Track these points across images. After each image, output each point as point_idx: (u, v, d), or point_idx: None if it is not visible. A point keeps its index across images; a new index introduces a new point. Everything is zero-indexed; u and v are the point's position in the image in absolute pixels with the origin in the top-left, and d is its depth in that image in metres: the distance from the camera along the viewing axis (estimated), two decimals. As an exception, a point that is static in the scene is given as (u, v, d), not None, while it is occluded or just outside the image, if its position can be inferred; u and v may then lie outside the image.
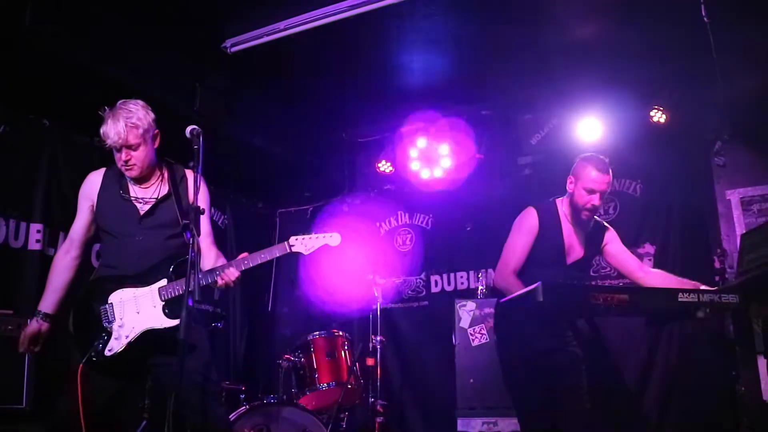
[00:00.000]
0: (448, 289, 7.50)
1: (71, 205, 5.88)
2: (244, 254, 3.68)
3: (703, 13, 4.87)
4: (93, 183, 3.78)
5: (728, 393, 5.22)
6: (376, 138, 7.86)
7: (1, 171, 5.61)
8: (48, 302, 3.70)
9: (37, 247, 5.73)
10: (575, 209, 4.40)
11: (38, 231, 5.75)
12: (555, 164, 6.80)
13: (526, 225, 4.42)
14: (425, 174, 7.53)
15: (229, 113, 6.49)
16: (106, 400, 3.51)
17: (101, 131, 3.57)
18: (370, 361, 6.11)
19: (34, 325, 3.67)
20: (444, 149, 7.44)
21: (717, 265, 5.87)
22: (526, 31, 5.80)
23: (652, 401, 6.13)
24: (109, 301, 3.56)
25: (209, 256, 3.82)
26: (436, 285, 7.59)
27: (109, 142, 3.57)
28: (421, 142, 7.50)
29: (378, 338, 6.20)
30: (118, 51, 5.49)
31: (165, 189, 3.72)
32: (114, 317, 3.53)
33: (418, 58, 6.30)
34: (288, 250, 3.68)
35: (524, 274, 4.28)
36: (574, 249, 4.47)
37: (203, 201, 3.71)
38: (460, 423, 5.93)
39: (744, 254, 4.92)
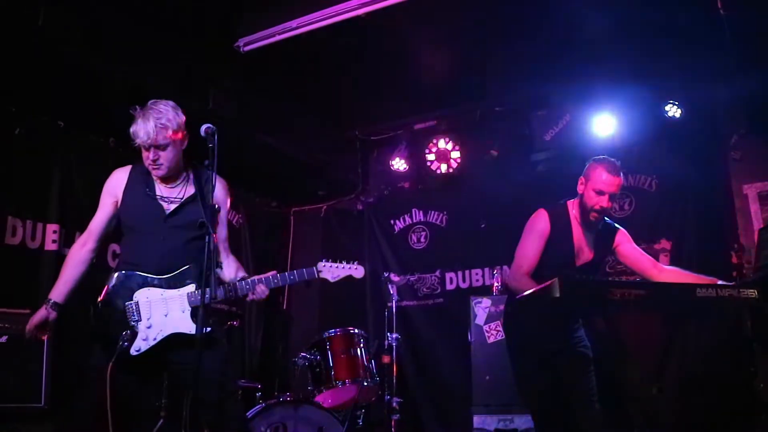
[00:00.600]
0: (463, 286, 7.49)
1: (86, 206, 5.98)
2: (273, 272, 3.74)
3: (719, 6, 4.83)
4: (119, 179, 3.78)
5: (746, 389, 5.18)
6: (389, 135, 7.86)
7: (17, 172, 5.65)
8: (59, 292, 3.71)
9: (53, 247, 5.77)
10: (584, 210, 4.38)
11: (54, 231, 5.80)
12: (569, 160, 6.77)
13: (538, 227, 4.41)
14: (439, 171, 7.51)
15: (242, 112, 6.50)
16: (127, 397, 3.53)
17: (131, 130, 3.58)
18: (385, 359, 6.11)
19: (42, 312, 3.68)
20: (458, 146, 7.43)
21: (734, 260, 5.84)
22: (540, 26, 5.78)
23: (669, 397, 6.08)
24: (134, 299, 3.57)
25: (226, 262, 3.87)
26: (451, 282, 7.58)
27: (138, 141, 3.58)
28: (435, 139, 7.49)
29: (393, 336, 6.19)
30: (130, 51, 5.50)
31: (191, 190, 3.73)
32: (140, 316, 3.55)
33: (431, 55, 6.29)
34: (316, 276, 3.81)
35: (534, 276, 4.27)
36: (584, 251, 4.45)
37: (223, 203, 3.80)
38: (476, 420, 5.91)
39: (762, 249, 4.88)
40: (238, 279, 3.72)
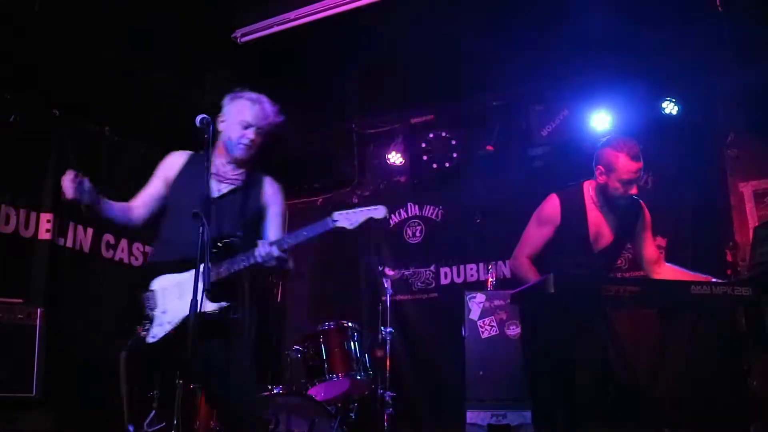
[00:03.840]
0: (458, 281, 7.48)
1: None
2: (284, 234, 3.65)
3: (718, 3, 4.82)
4: (176, 159, 3.77)
5: (739, 386, 5.18)
6: (386, 129, 7.85)
7: (11, 160, 5.63)
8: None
9: (47, 236, 5.74)
10: (610, 198, 4.23)
11: (48, 221, 5.77)
12: (566, 156, 6.79)
13: (545, 214, 4.29)
14: (435, 165, 7.50)
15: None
16: (144, 387, 3.50)
17: (245, 107, 3.71)
18: (379, 353, 6.10)
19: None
20: (454, 140, 7.41)
21: (729, 258, 5.84)
22: (538, 21, 5.77)
23: (663, 394, 6.09)
24: (151, 289, 3.52)
25: None
26: (446, 277, 7.57)
27: (257, 120, 3.69)
28: (432, 133, 7.47)
29: (387, 330, 6.18)
30: (127, 40, 5.48)
31: (240, 183, 3.71)
32: (156, 304, 3.49)
33: (429, 49, 6.26)
34: (331, 226, 3.53)
35: (551, 262, 4.17)
36: (603, 235, 4.30)
37: (279, 205, 3.84)
38: (469, 415, 5.91)
39: (756, 247, 4.88)
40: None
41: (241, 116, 3.67)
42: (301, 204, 8.54)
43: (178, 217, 3.61)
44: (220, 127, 3.72)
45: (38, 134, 5.82)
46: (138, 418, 4.39)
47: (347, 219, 3.53)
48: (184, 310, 3.39)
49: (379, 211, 3.55)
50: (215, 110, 3.74)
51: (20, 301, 5.00)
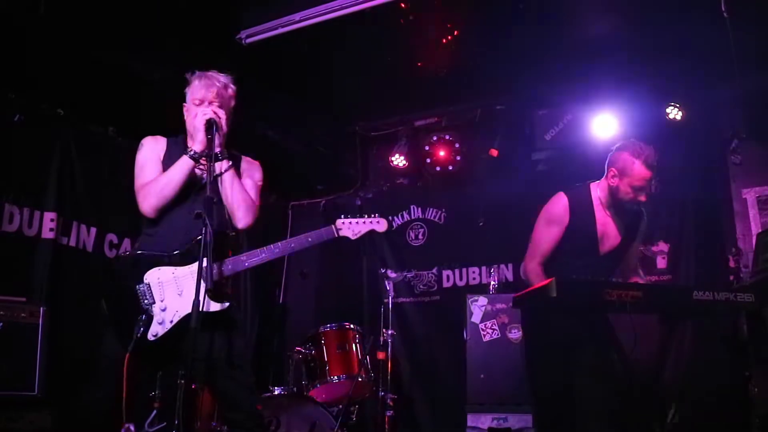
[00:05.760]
0: (460, 284, 7.47)
1: (84, 194, 5.98)
2: (288, 239, 3.66)
3: (723, 9, 4.80)
4: (159, 142, 3.66)
5: (740, 393, 5.18)
6: (389, 131, 7.84)
7: (15, 159, 5.63)
8: None
9: (50, 235, 5.74)
10: (619, 202, 4.24)
11: (52, 220, 5.77)
12: (569, 160, 6.78)
13: (554, 215, 4.28)
14: (438, 168, 7.50)
15: (243, 104, 6.48)
16: (141, 384, 3.46)
17: (194, 86, 3.63)
18: (380, 355, 6.10)
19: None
20: (458, 143, 7.42)
21: (732, 264, 5.82)
22: (542, 26, 5.77)
23: (664, 400, 6.08)
24: (145, 281, 3.39)
25: None
26: (448, 280, 7.57)
27: (206, 93, 3.58)
28: (435, 135, 7.48)
29: (389, 332, 6.18)
30: (131, 41, 5.49)
31: (225, 165, 3.59)
32: (154, 299, 3.37)
33: (432, 52, 6.27)
34: (336, 235, 3.65)
35: (556, 263, 4.19)
36: (609, 237, 4.30)
37: (258, 176, 3.94)
38: (470, 418, 5.90)
39: (759, 253, 4.88)
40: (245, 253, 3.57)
41: (193, 96, 3.60)
42: (304, 205, 8.56)
43: (171, 208, 3.52)
44: (186, 116, 3.68)
45: (42, 134, 5.82)
46: (137, 417, 4.38)
47: (350, 229, 3.69)
48: (185, 308, 3.33)
49: (381, 225, 3.74)
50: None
51: (23, 299, 5.00)
